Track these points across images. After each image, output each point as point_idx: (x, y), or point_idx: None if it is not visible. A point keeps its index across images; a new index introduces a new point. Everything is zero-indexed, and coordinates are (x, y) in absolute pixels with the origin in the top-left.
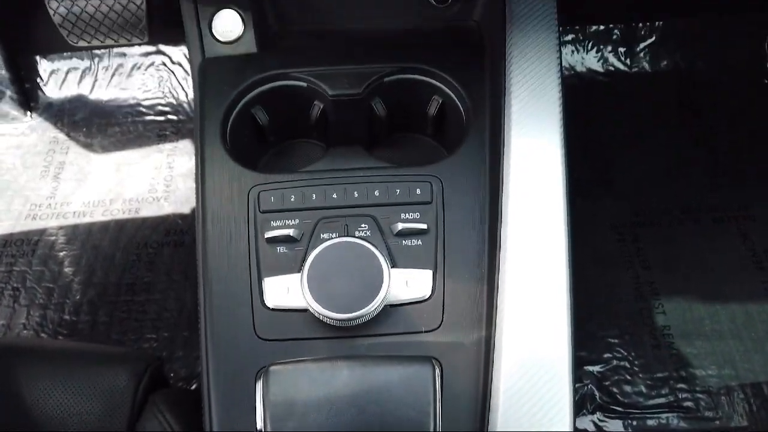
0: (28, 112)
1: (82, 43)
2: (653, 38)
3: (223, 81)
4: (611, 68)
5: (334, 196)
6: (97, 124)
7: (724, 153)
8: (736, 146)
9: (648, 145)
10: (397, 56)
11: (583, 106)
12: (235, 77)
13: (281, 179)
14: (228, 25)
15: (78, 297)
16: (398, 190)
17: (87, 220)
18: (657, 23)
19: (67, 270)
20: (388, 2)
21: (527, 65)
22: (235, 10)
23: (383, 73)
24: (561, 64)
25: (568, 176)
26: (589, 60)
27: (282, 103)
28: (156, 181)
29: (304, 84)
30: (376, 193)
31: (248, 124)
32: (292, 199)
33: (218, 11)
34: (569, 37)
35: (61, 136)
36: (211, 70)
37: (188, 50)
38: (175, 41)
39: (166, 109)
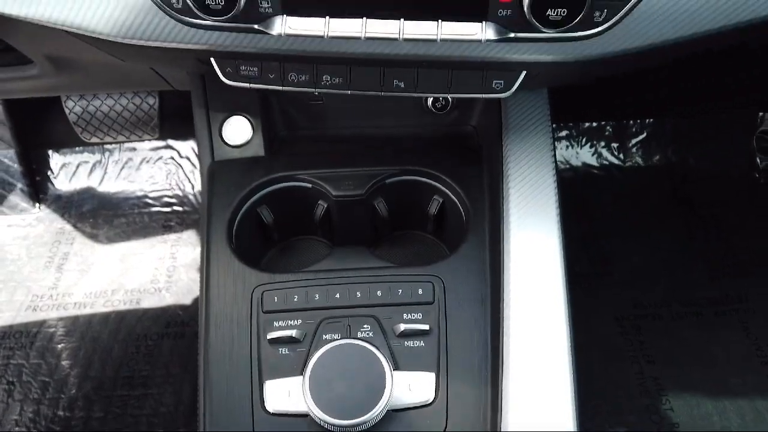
0: (37, 204)
1: (94, 140)
2: (644, 134)
3: (231, 183)
4: (605, 162)
5: (337, 296)
6: (103, 216)
7: (719, 245)
8: (730, 238)
9: (645, 237)
10: (398, 159)
11: (580, 199)
12: (243, 180)
13: (284, 279)
14: (237, 130)
15: (73, 391)
16: (400, 291)
17: (87, 311)
18: (647, 121)
19: (65, 363)
20: (390, 109)
21: (523, 167)
22: (245, 117)
23: (385, 174)
24: (556, 165)
25: (566, 271)
26: (583, 155)
27: (287, 203)
28: (159, 271)
29: (309, 185)
30: (379, 293)
31: (254, 223)
32: (295, 299)
33: (229, 117)
34: (564, 133)
35: (68, 227)
36: (220, 173)
37: (198, 153)
38: (184, 136)
39: (173, 200)
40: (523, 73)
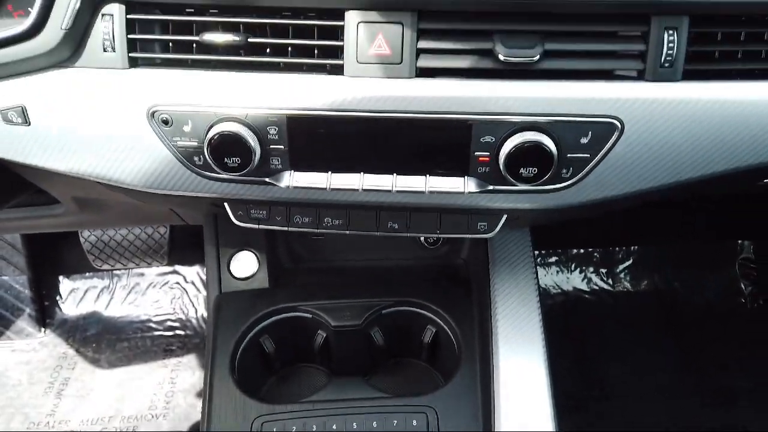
0: (43, 329)
1: (105, 267)
2: (630, 261)
3: (235, 315)
4: (595, 287)
5: (334, 426)
6: (107, 340)
7: (711, 371)
8: (721, 364)
9: (640, 362)
10: (394, 290)
11: (573, 323)
12: (247, 311)
13: (283, 410)
14: (244, 264)
15: None
16: (395, 421)
17: None
18: (632, 247)
19: None
20: (386, 243)
21: (510, 300)
22: (252, 252)
23: (381, 306)
24: (539, 297)
25: (555, 399)
26: (574, 279)
27: (288, 332)
28: (157, 397)
29: (309, 315)
30: (375, 424)
31: (256, 352)
32: (293, 430)
33: (237, 253)
34: (553, 259)
35: (71, 351)
36: (226, 305)
37: (206, 284)
38: (190, 261)
39: (176, 324)
40: (504, 216)
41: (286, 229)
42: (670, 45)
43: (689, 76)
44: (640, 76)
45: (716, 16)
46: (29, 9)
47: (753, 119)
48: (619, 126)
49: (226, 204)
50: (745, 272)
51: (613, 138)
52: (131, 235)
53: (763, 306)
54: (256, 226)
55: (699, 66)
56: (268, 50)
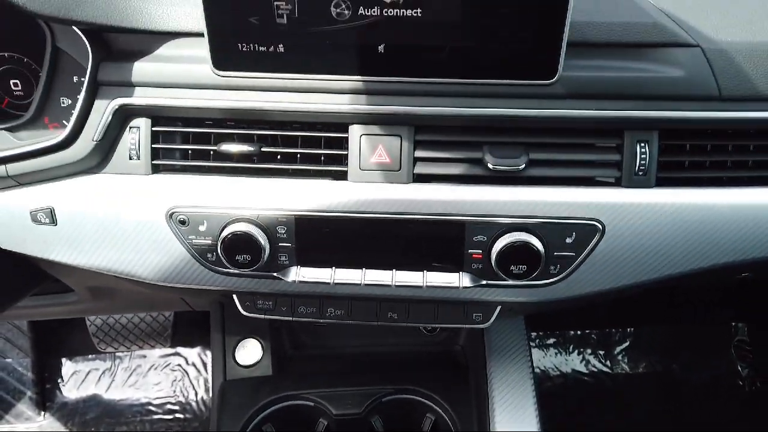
0: (43, 412)
1: (109, 349)
2: (627, 342)
3: (239, 402)
4: (593, 369)
5: None
6: (106, 423)
7: None
8: None
9: None
10: (393, 378)
11: (572, 405)
12: (250, 399)
13: None
14: (249, 352)
15: None
16: None
17: None
18: (629, 330)
19: None
20: (386, 331)
21: (505, 385)
22: (257, 339)
23: (381, 394)
24: (535, 380)
25: None
26: (572, 362)
27: (291, 420)
28: None
29: (311, 404)
30: None
31: None
32: None
33: (242, 341)
34: (551, 341)
35: None
36: (230, 392)
37: (211, 371)
38: (193, 344)
39: (175, 407)
40: (498, 307)
41: (290, 319)
42: (643, 156)
43: (662, 182)
44: (618, 183)
45: (683, 131)
46: (64, 122)
47: (723, 223)
48: (601, 228)
49: (234, 295)
50: (741, 354)
51: (596, 239)
52: (136, 317)
53: (760, 388)
54: (263, 317)
55: (671, 174)
56: (278, 157)
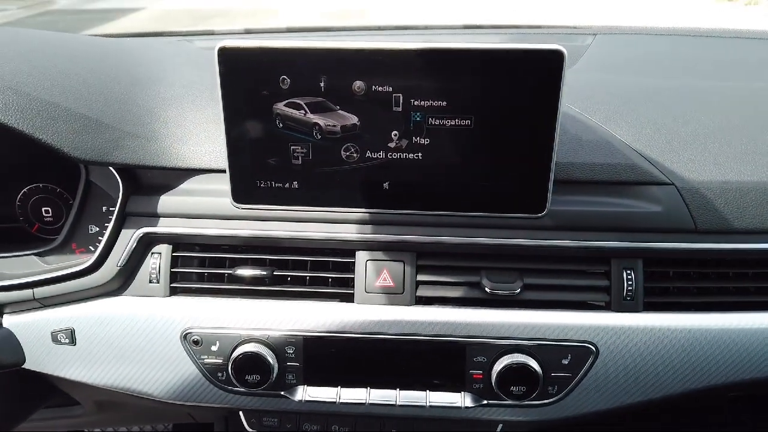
0: None
1: None
2: None
3: None
4: None
5: None
6: None
7: None
8: None
9: None
10: None
11: None
12: None
13: None
14: None
15: None
16: None
17: None
18: None
19: None
20: None
21: None
22: None
23: None
24: None
25: None
26: None
27: None
28: None
29: None
30: None
31: None
32: None
33: None
34: None
35: None
36: None
37: None
38: None
39: None
40: (500, 425)
41: None
42: (629, 282)
43: (650, 307)
44: (608, 307)
45: (665, 259)
46: (90, 248)
47: (711, 347)
48: (595, 350)
49: (240, 412)
50: None
51: (590, 360)
52: (136, 427)
53: None
54: None
55: (657, 299)
56: (288, 279)
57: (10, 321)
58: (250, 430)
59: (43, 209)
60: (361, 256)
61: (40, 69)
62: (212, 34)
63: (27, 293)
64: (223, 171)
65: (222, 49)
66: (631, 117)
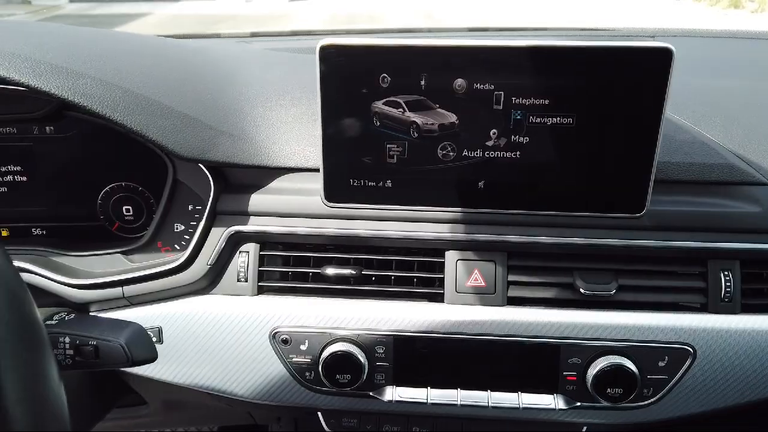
0: None
1: None
2: None
3: None
4: None
5: None
6: None
7: None
8: None
9: None
10: None
11: None
12: None
13: None
14: None
15: None
16: None
17: None
18: None
19: None
20: None
21: None
22: None
23: None
24: None
25: None
26: None
27: None
28: None
29: None
30: None
31: None
32: None
33: None
34: None
35: None
36: None
37: None
38: None
39: None
40: (584, 428)
41: None
42: (727, 284)
43: (748, 309)
44: (705, 308)
45: (763, 261)
46: (176, 246)
47: None
48: (692, 351)
49: (319, 413)
50: None
51: (688, 362)
52: (181, 428)
53: None
54: None
55: (755, 301)
56: (373, 279)
57: None
58: (329, 430)
59: (124, 208)
60: (451, 256)
61: (135, 67)
62: (268, 35)
63: (116, 291)
64: (311, 170)
65: (324, 47)
66: (719, 118)
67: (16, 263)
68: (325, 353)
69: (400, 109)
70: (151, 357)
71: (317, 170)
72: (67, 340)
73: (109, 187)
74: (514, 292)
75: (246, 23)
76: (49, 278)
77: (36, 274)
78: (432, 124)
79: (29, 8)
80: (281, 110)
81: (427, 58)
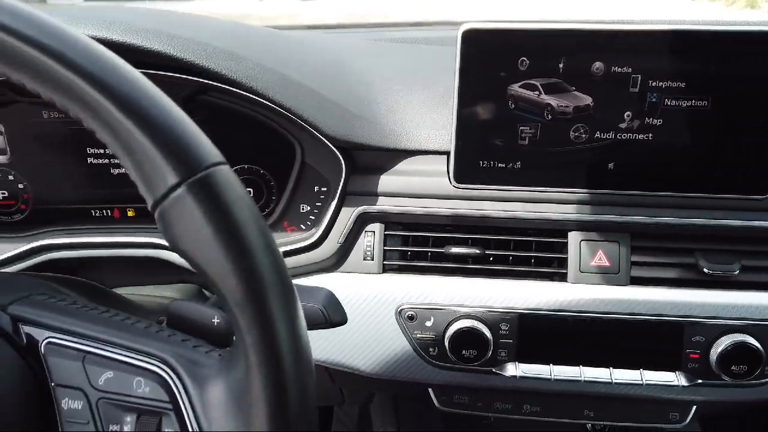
0: None
1: None
2: None
3: None
4: None
5: None
6: None
7: None
8: None
9: None
10: None
11: None
12: None
13: None
14: None
15: None
16: None
17: None
18: None
19: None
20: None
21: None
22: None
23: None
24: None
25: None
26: None
27: None
28: None
29: None
30: None
31: None
32: None
33: None
34: None
35: None
36: None
37: None
38: None
39: None
40: (694, 407)
41: (485, 414)
42: None
43: None
44: None
45: None
46: (301, 226)
47: None
48: None
49: (430, 390)
50: None
51: None
52: None
53: None
54: (457, 411)
55: None
56: (491, 259)
57: None
58: (440, 407)
59: (247, 189)
60: (574, 236)
61: (276, 54)
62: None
63: None
64: (436, 152)
65: (467, 31)
66: None
67: (152, 239)
68: (451, 329)
69: (536, 92)
70: (344, 319)
71: (441, 153)
72: None
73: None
74: (637, 272)
75: (260, 22)
76: None
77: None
78: (567, 106)
79: (45, 7)
80: (406, 96)
81: (568, 41)
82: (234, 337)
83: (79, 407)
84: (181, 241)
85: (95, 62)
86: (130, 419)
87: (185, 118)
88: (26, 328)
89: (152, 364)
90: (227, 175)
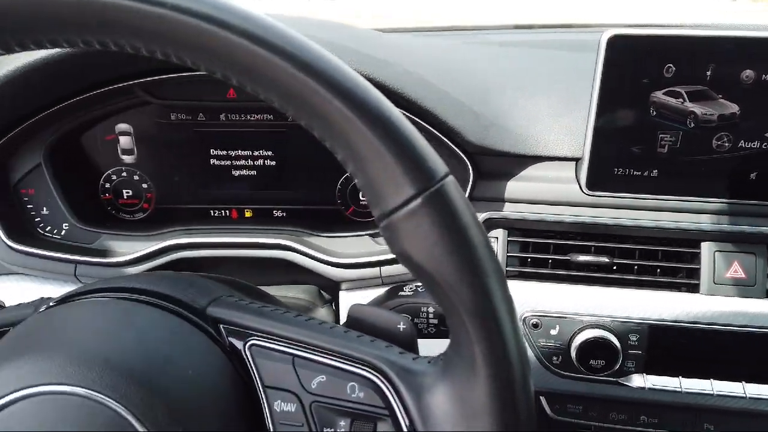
0: None
1: None
2: None
3: None
4: None
5: None
6: None
7: None
8: None
9: None
10: None
11: None
12: None
13: None
14: None
15: None
16: None
17: None
18: None
19: None
20: None
21: None
22: None
23: None
24: None
25: None
26: None
27: None
28: None
29: None
30: None
31: None
32: None
33: None
34: None
35: None
36: None
37: None
38: None
39: None
40: None
41: (598, 424)
42: None
43: None
44: None
45: None
46: None
47: None
48: None
49: (542, 398)
50: None
51: None
52: None
53: None
54: (571, 420)
55: None
56: (614, 267)
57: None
58: (553, 416)
59: (360, 193)
60: (708, 247)
61: (410, 59)
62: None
63: (374, 271)
64: (564, 159)
65: (613, 37)
66: None
67: (278, 240)
68: (579, 338)
69: (680, 99)
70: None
71: (570, 159)
72: (431, 309)
73: (347, 175)
74: None
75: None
76: (310, 256)
77: (297, 251)
78: (711, 114)
79: None
80: (532, 101)
81: (717, 49)
82: (449, 346)
83: (293, 410)
84: (414, 252)
85: (349, 81)
86: (344, 423)
87: (416, 130)
88: (226, 329)
89: (364, 369)
90: (456, 185)
